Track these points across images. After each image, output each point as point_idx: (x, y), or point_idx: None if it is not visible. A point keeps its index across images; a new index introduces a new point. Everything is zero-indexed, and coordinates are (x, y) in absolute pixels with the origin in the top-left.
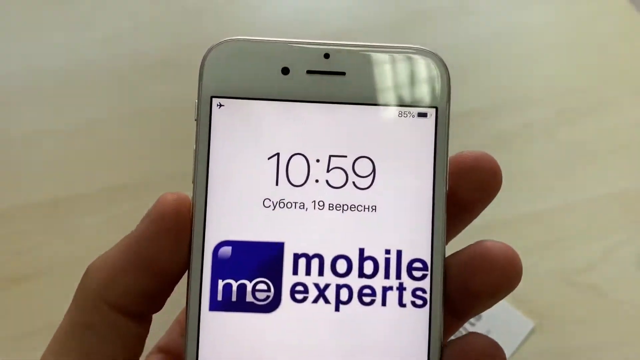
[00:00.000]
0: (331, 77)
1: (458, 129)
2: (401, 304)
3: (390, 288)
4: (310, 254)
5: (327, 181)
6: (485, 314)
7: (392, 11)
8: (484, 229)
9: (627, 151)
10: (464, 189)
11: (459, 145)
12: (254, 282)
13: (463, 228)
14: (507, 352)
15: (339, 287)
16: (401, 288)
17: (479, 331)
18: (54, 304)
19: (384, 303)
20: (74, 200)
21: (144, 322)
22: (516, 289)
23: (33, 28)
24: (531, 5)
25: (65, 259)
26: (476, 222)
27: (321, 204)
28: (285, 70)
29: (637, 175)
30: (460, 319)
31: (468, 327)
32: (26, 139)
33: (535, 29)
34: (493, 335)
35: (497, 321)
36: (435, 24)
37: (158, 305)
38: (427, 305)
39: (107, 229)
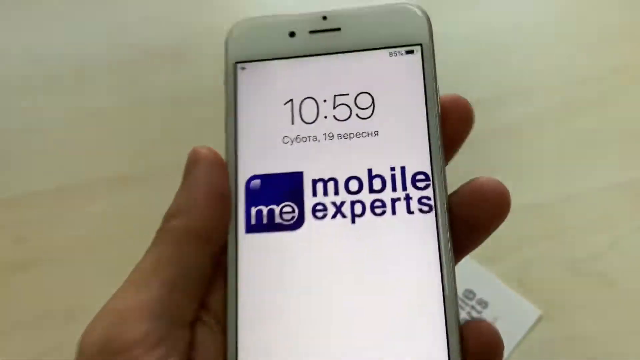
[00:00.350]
0: (329, 34)
1: None
2: (409, 212)
3: (398, 199)
4: (326, 178)
5: (334, 116)
6: (493, 302)
7: (399, 1)
8: None
9: (634, 141)
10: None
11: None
12: (280, 206)
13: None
14: (515, 340)
15: (353, 203)
16: (408, 198)
17: (486, 319)
18: (55, 291)
19: (394, 212)
20: (77, 189)
21: (216, 255)
22: (524, 278)
23: (38, 19)
24: None
25: (68, 247)
26: None
27: (331, 135)
28: (292, 34)
29: None
30: (460, 253)
31: (475, 315)
32: (29, 128)
33: (542, 19)
34: (500, 323)
35: (504, 309)
36: (442, 14)
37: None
38: (433, 211)
39: (109, 217)
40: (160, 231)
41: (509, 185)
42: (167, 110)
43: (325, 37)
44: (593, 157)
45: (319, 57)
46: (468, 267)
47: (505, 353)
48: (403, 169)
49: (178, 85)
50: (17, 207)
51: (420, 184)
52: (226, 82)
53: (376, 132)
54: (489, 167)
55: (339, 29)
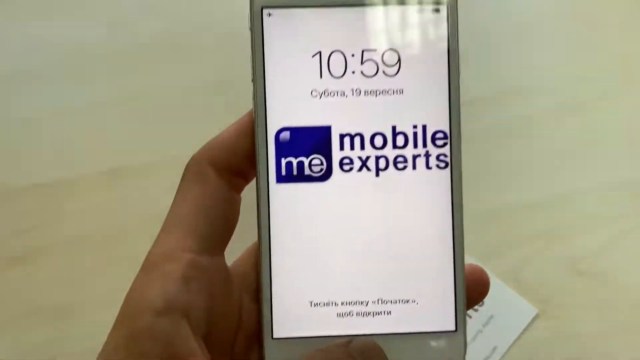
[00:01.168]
0: None
1: (463, 116)
2: (428, 167)
3: (419, 155)
4: (353, 133)
5: (361, 72)
6: (489, 300)
7: None
8: (492, 216)
9: (633, 140)
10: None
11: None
12: (309, 158)
13: None
14: (511, 338)
15: (377, 158)
16: (427, 155)
17: (481, 317)
18: (54, 284)
19: (414, 167)
20: (75, 182)
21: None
22: (520, 275)
23: (35, 10)
24: None
25: (66, 240)
26: (484, 209)
27: (358, 91)
28: None
29: None
30: None
31: (471, 312)
32: (27, 121)
33: (541, 17)
34: (496, 321)
35: (501, 307)
36: None
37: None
38: (449, 167)
39: (108, 210)
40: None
41: (506, 183)
42: (167, 103)
43: None
44: (590, 156)
45: (348, 8)
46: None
47: (502, 351)
48: (424, 127)
49: (179, 78)
50: (16, 201)
51: (439, 142)
52: (252, 27)
53: (401, 91)
54: (487, 165)
55: None
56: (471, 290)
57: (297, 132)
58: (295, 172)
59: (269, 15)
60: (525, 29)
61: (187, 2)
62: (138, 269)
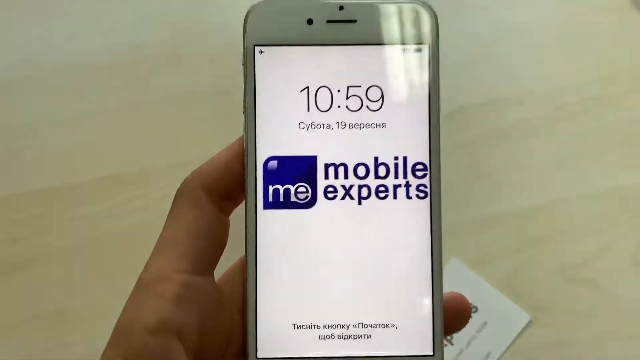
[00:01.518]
0: (345, 24)
1: (457, 123)
2: (408, 197)
3: (399, 185)
4: (337, 163)
5: (346, 106)
6: (482, 306)
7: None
8: (485, 223)
9: (624, 147)
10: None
11: (458, 140)
12: (295, 186)
13: None
14: (504, 345)
15: (360, 187)
16: (407, 185)
17: (475, 324)
18: (51, 291)
19: (395, 197)
20: (73, 189)
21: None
22: (513, 282)
23: (34, 18)
24: (531, 1)
25: (64, 247)
26: (477, 216)
27: (343, 124)
28: (310, 21)
29: (634, 172)
30: None
31: None
32: (25, 128)
33: (535, 25)
34: (490, 328)
35: (494, 314)
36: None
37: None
38: (428, 197)
39: (106, 217)
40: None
41: (498, 191)
42: (165, 110)
43: (341, 28)
44: (583, 164)
45: (335, 47)
46: (457, 271)
47: (495, 357)
48: (405, 159)
49: (176, 85)
50: (13, 208)
51: (419, 173)
52: (245, 63)
53: (383, 125)
54: (480, 171)
55: (354, 21)
56: (451, 317)
57: (284, 161)
58: (281, 199)
59: (261, 52)
60: (521, 35)
61: (184, 11)
62: (137, 275)
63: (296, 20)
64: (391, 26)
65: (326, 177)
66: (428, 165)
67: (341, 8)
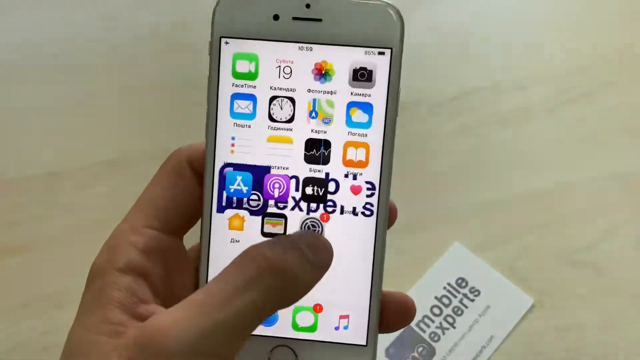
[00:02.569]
0: (311, 23)
1: (460, 108)
2: (354, 214)
3: (347, 202)
4: (289, 175)
5: (306, 116)
6: (486, 290)
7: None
8: (488, 208)
9: (627, 132)
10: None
11: (461, 125)
12: (248, 194)
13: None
14: (507, 328)
15: (309, 200)
16: (354, 202)
17: (478, 307)
18: (48, 275)
19: (342, 212)
20: (70, 174)
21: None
22: (517, 266)
23: (31, 4)
24: None
25: (61, 231)
26: (480, 201)
27: (300, 136)
28: (276, 17)
29: (638, 156)
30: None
31: (467, 302)
32: (22, 113)
33: (538, 10)
34: (493, 312)
35: (497, 298)
36: (436, 3)
37: None
38: (374, 215)
39: (102, 201)
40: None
41: (501, 175)
42: (160, 95)
43: (307, 25)
44: (587, 148)
45: (299, 44)
46: (460, 255)
47: (498, 340)
48: (355, 176)
49: (174, 70)
50: (10, 192)
51: (368, 192)
52: (211, 53)
53: (339, 140)
54: (484, 155)
55: (320, 20)
56: (394, 314)
57: (240, 169)
58: (234, 205)
59: (227, 43)
60: (524, 21)
61: None
62: None
63: (263, 14)
64: (356, 28)
65: (278, 187)
66: (377, 184)
67: (308, 6)
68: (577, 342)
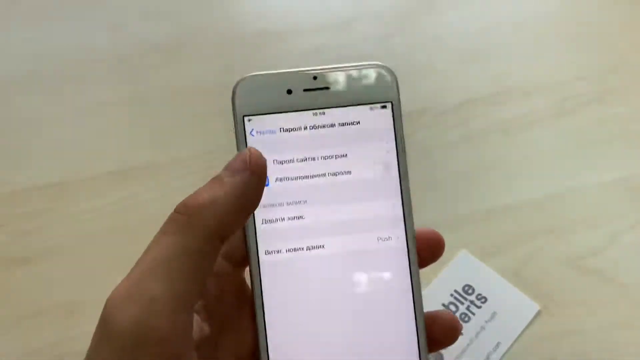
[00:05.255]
0: (320, 91)
1: (464, 115)
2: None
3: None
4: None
5: (323, 172)
6: (492, 297)
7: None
8: (493, 214)
9: (630, 137)
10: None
11: (466, 132)
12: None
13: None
14: (514, 335)
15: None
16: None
17: (484, 314)
18: (58, 285)
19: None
20: (78, 184)
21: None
22: (523, 273)
23: (39, 14)
24: None
25: (70, 241)
26: (486, 207)
27: (320, 188)
28: (289, 91)
29: None
30: None
31: (474, 309)
32: (32, 123)
33: (539, 18)
34: (499, 318)
35: (503, 304)
36: (441, 12)
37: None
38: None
39: (112, 211)
40: (178, 220)
41: (506, 182)
42: (169, 105)
43: (317, 94)
44: (591, 154)
45: (312, 111)
46: (467, 263)
47: (505, 347)
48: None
49: (177, 80)
50: (19, 202)
51: (389, 236)
52: (236, 131)
53: (355, 186)
54: (489, 163)
55: (327, 88)
56: (425, 249)
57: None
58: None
59: (249, 120)
60: (526, 30)
61: (185, 7)
62: None
63: (277, 91)
64: (359, 90)
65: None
66: (403, 219)
67: (315, 78)
68: (584, 348)
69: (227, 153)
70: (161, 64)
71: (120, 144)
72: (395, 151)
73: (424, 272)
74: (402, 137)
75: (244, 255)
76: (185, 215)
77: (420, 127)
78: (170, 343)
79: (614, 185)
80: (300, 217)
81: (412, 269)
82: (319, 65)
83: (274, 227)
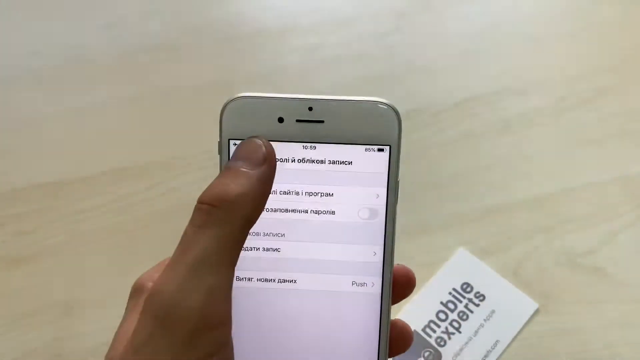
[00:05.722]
0: (314, 124)
1: (462, 114)
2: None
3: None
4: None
5: (310, 208)
6: (490, 295)
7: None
8: (492, 212)
9: (628, 136)
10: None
11: (463, 131)
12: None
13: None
14: (512, 332)
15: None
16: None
17: (483, 312)
18: (57, 284)
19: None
20: (76, 183)
21: None
22: (521, 271)
23: (37, 14)
24: None
25: (68, 240)
26: (484, 205)
27: (303, 227)
28: (281, 120)
29: (639, 160)
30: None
31: (473, 307)
32: (30, 122)
33: (537, 18)
34: (498, 316)
35: (502, 302)
36: (439, 11)
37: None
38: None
39: (109, 210)
40: (212, 213)
41: (505, 180)
42: (165, 104)
43: (310, 127)
44: (589, 153)
45: (303, 144)
46: (465, 261)
47: (503, 345)
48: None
49: (176, 80)
50: (17, 202)
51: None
52: (220, 152)
53: (340, 230)
54: (486, 161)
55: (322, 121)
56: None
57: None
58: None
59: (234, 144)
60: (525, 28)
61: (186, 6)
62: (140, 267)
63: (268, 117)
64: (356, 126)
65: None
66: (380, 272)
67: (310, 109)
68: (582, 346)
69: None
70: (159, 64)
71: (118, 143)
72: (385, 197)
73: (422, 272)
74: (397, 182)
75: None
76: (220, 208)
77: (418, 126)
78: (226, 327)
79: (612, 183)
80: (276, 250)
81: (382, 318)
82: (315, 95)
83: (247, 255)
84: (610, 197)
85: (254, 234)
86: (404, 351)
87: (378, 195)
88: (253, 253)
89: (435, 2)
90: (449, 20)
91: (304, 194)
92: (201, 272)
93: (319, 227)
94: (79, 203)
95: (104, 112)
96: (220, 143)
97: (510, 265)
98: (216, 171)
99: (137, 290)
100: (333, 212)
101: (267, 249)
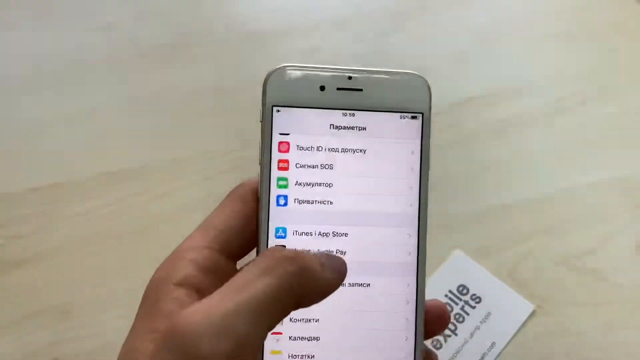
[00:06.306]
0: (353, 92)
1: (458, 116)
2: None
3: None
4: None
5: (347, 172)
6: (487, 297)
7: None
8: (488, 214)
9: (625, 138)
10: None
11: (460, 132)
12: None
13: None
14: (508, 334)
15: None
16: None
17: (479, 314)
18: (53, 287)
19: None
20: (74, 185)
21: None
22: (517, 273)
23: (34, 16)
24: None
25: (65, 243)
26: (480, 207)
27: (342, 190)
28: (322, 88)
29: (635, 161)
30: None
31: (469, 309)
32: (28, 125)
33: (533, 18)
34: (494, 318)
35: (498, 304)
36: (436, 12)
37: None
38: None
39: (106, 213)
40: (283, 267)
41: (501, 182)
42: (162, 107)
43: (349, 95)
44: (585, 154)
45: (343, 111)
46: (461, 263)
47: (500, 347)
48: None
49: (174, 81)
50: (14, 205)
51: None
52: (263, 120)
53: (376, 192)
54: (483, 163)
55: (361, 90)
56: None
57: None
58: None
59: (278, 111)
60: (522, 30)
61: (184, 7)
62: (137, 270)
63: (310, 86)
64: (392, 95)
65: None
66: (416, 236)
67: (350, 78)
68: (578, 348)
69: (225, 153)
70: (158, 65)
71: (115, 146)
72: (419, 160)
73: None
74: (428, 153)
75: (240, 247)
76: (294, 266)
77: None
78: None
79: (609, 185)
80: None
81: (418, 293)
82: (353, 66)
83: (300, 208)
84: (607, 199)
85: (302, 184)
86: (442, 331)
87: (413, 151)
88: (296, 206)
89: (430, 4)
90: (444, 22)
91: (340, 150)
92: (239, 318)
93: (360, 182)
94: (76, 206)
95: (101, 115)
96: (263, 110)
97: (506, 267)
98: (217, 172)
99: (152, 290)
100: (370, 175)
101: (317, 201)
